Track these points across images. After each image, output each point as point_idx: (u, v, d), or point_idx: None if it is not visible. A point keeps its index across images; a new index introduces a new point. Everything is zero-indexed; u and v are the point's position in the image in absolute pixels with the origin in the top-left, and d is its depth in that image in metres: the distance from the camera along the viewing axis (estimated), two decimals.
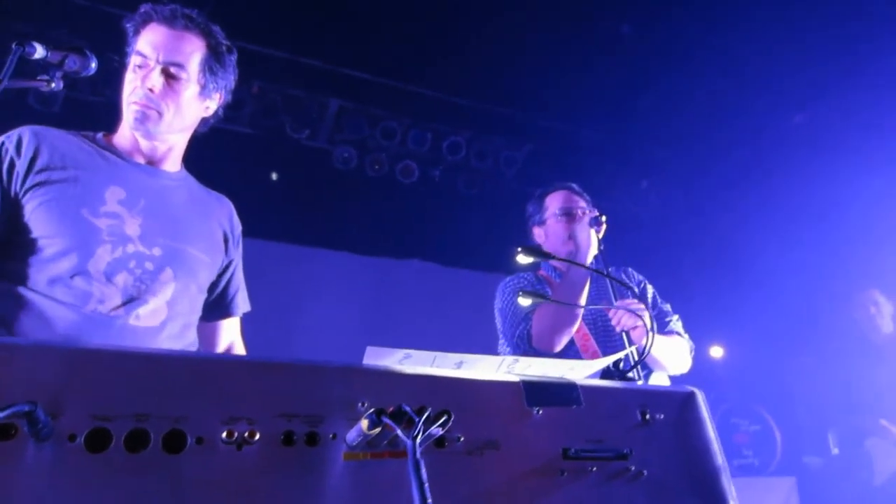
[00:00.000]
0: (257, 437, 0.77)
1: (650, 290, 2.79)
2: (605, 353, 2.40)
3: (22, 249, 1.60)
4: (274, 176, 6.31)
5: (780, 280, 5.33)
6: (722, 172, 5.90)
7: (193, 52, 1.76)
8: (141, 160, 1.83)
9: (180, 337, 1.78)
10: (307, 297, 5.83)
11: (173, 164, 1.91)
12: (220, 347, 2.03)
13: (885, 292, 4.61)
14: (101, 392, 0.74)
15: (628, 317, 2.24)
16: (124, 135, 1.83)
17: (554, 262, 2.76)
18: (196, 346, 1.88)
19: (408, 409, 0.74)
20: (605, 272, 2.32)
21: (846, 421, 4.49)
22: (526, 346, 2.49)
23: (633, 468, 0.91)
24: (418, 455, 0.69)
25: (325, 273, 6.06)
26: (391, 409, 0.75)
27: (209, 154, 5.79)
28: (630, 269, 2.86)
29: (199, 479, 0.74)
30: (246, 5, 4.75)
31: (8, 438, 0.70)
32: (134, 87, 1.72)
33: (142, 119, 1.72)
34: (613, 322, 2.31)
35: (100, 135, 1.83)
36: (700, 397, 1.01)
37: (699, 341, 2.79)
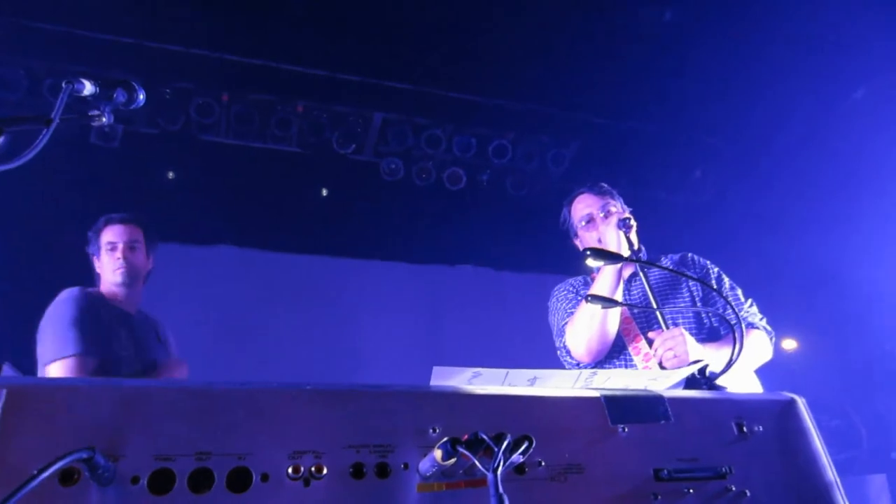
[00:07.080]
0: (325, 471, 0.72)
1: (714, 274, 2.57)
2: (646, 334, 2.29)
3: None
4: (324, 192, 6.37)
5: (850, 263, 5.01)
6: (777, 156, 5.65)
7: None
8: None
9: None
10: (364, 308, 5.84)
11: None
12: None
13: None
14: (161, 431, 0.71)
15: (667, 357, 2.09)
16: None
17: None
18: None
19: (485, 437, 0.67)
20: (643, 266, 2.21)
21: None
22: (570, 358, 2.43)
23: (733, 488, 0.82)
24: (501, 489, 0.62)
25: (381, 284, 6.06)
26: (466, 437, 0.69)
27: (261, 174, 5.91)
28: (691, 255, 2.67)
29: None
30: (284, 27, 4.81)
31: (70, 484, 0.67)
32: None
33: None
34: (654, 351, 2.15)
35: None
36: (801, 404, 0.91)
37: None
